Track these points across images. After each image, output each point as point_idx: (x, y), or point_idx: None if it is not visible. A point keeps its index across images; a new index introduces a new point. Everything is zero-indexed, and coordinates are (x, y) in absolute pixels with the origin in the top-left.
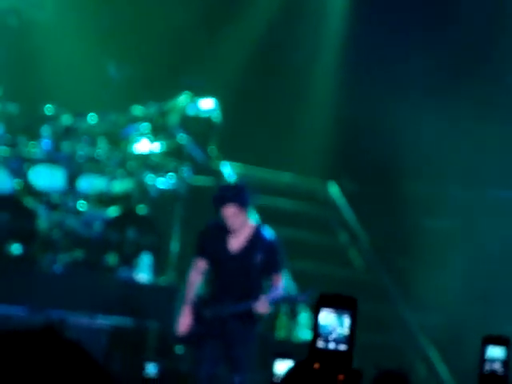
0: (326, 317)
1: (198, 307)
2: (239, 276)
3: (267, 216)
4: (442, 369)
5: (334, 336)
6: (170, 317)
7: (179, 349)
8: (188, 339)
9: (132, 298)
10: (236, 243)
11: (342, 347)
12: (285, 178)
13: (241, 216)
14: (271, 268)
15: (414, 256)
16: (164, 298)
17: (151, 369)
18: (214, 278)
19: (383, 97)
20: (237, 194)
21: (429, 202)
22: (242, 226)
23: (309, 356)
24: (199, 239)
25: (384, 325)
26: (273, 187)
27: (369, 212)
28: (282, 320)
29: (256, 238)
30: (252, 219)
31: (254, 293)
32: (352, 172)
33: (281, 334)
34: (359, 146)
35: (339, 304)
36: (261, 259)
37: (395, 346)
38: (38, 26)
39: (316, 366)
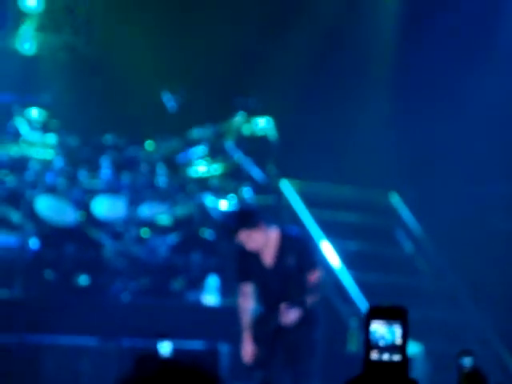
0: (377, 328)
1: (255, 329)
2: (280, 286)
3: (331, 230)
4: None
5: (386, 347)
6: (240, 338)
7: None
8: (256, 363)
9: (201, 321)
10: (268, 257)
11: (396, 357)
12: (345, 191)
13: (256, 236)
14: (305, 267)
15: (485, 258)
16: (233, 320)
17: None
18: (260, 295)
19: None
20: (241, 221)
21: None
22: (264, 241)
23: (364, 369)
24: (238, 265)
25: (458, 332)
26: (334, 201)
27: (433, 219)
28: (353, 333)
29: (284, 242)
30: (273, 226)
31: (297, 297)
32: (412, 181)
33: (352, 347)
34: (418, 156)
35: (389, 315)
36: (294, 261)
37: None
38: (90, 59)
39: None
